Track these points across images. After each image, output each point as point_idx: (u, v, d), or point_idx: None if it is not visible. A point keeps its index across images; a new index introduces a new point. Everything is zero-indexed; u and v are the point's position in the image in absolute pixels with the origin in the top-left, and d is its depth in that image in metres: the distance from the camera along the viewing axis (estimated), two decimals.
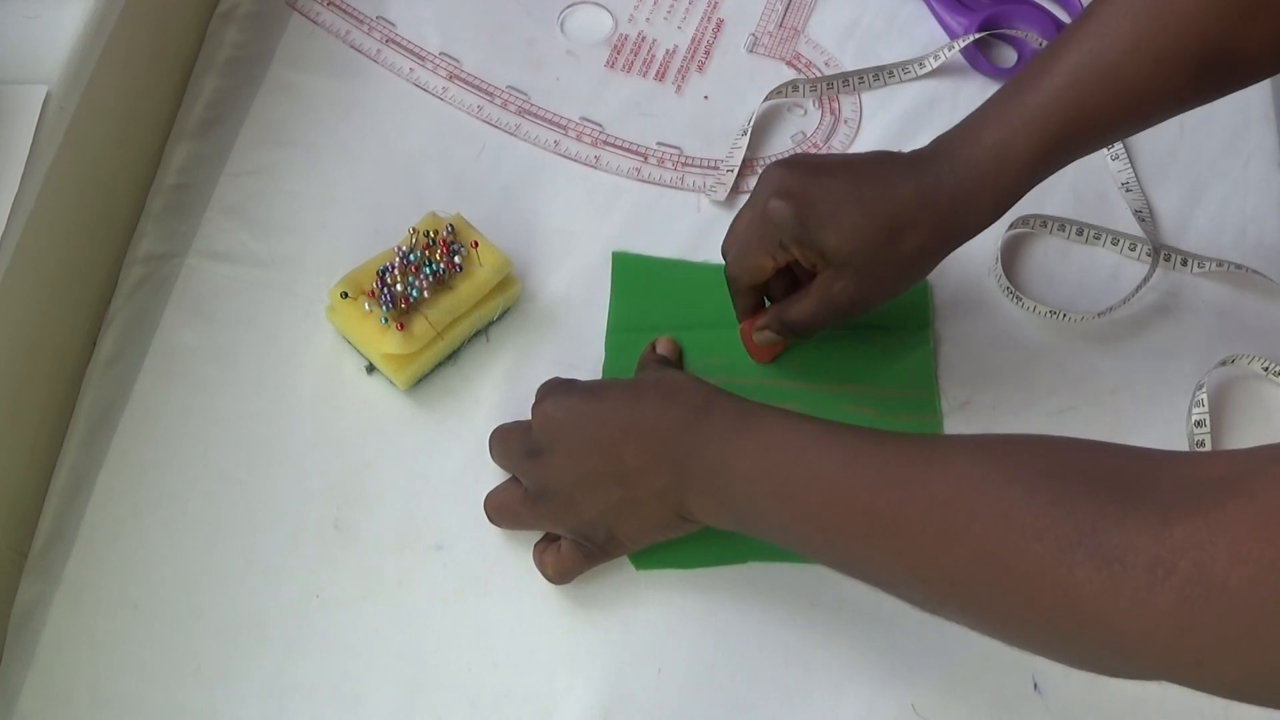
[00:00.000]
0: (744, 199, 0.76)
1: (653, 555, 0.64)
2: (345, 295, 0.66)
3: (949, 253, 0.63)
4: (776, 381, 0.69)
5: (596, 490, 0.58)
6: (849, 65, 0.82)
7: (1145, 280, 0.72)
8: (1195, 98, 0.60)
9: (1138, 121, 0.61)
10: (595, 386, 0.61)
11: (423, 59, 0.81)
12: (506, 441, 0.63)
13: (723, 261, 0.67)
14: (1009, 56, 0.83)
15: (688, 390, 0.58)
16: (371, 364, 0.68)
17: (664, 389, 0.58)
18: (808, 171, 0.62)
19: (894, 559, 0.50)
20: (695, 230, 0.75)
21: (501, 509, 0.64)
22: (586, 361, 0.70)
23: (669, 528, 0.59)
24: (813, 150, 0.78)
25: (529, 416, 0.64)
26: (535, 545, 0.63)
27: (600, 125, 0.79)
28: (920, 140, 0.63)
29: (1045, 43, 0.81)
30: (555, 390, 0.61)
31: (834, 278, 0.62)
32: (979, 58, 0.82)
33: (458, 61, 0.81)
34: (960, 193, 0.60)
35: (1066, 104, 0.58)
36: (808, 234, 0.61)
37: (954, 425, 0.68)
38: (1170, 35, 0.57)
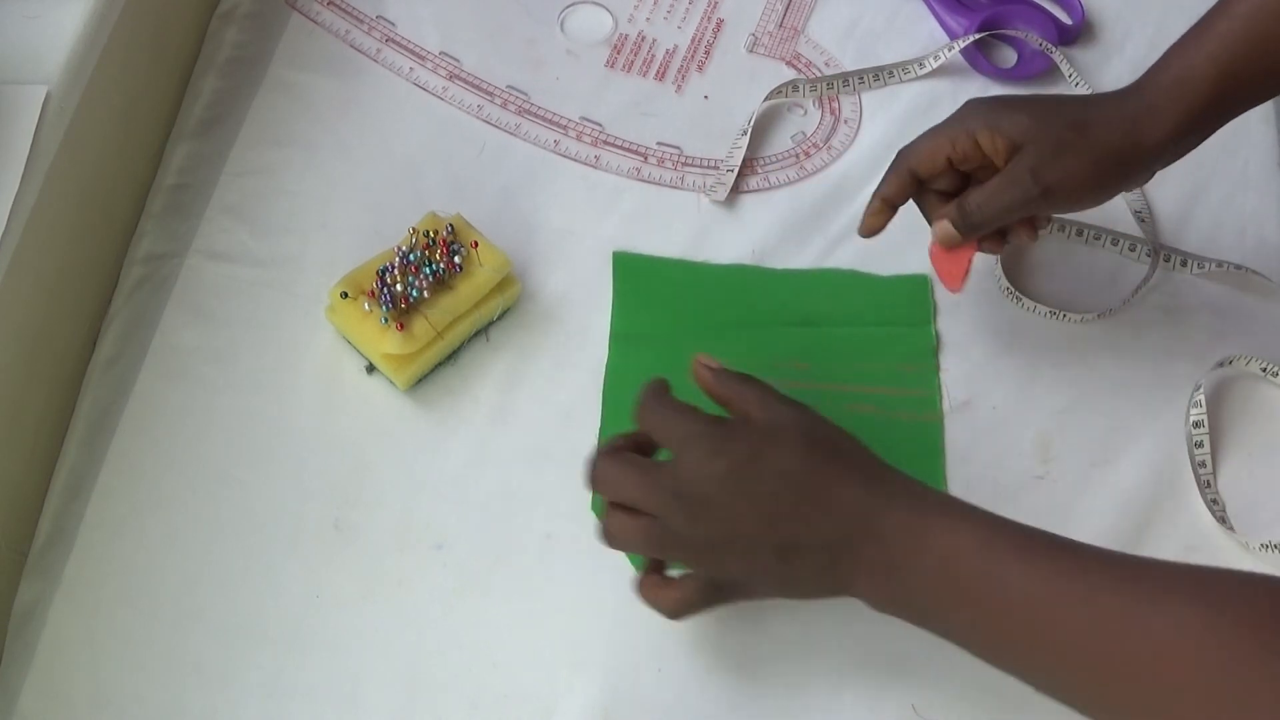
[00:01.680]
0: (744, 199, 0.76)
1: None
2: (345, 295, 0.66)
3: (1134, 174, 0.63)
4: (778, 382, 0.69)
5: (749, 556, 0.53)
6: (849, 65, 0.82)
7: (1145, 280, 0.72)
8: None
9: None
10: (753, 442, 0.54)
11: (423, 58, 0.81)
12: (646, 473, 0.55)
13: (726, 261, 0.67)
14: (1009, 57, 0.84)
15: (859, 461, 0.54)
16: (371, 364, 0.68)
17: (830, 453, 0.54)
18: (1004, 96, 0.65)
19: (1097, 695, 0.47)
20: (695, 230, 0.75)
21: (627, 540, 0.56)
22: (586, 361, 0.70)
23: (816, 596, 0.55)
24: (814, 150, 0.78)
25: (529, 417, 0.64)
26: (642, 580, 0.58)
27: (600, 125, 0.79)
28: None
29: (1045, 43, 0.81)
30: (707, 438, 0.54)
31: (1020, 159, 0.61)
32: (979, 58, 0.82)
33: (457, 61, 0.81)
34: (1146, 105, 0.61)
35: (1245, 32, 0.60)
36: (997, 118, 0.62)
37: (954, 425, 0.68)
38: None
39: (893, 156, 0.66)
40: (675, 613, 0.57)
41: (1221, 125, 0.63)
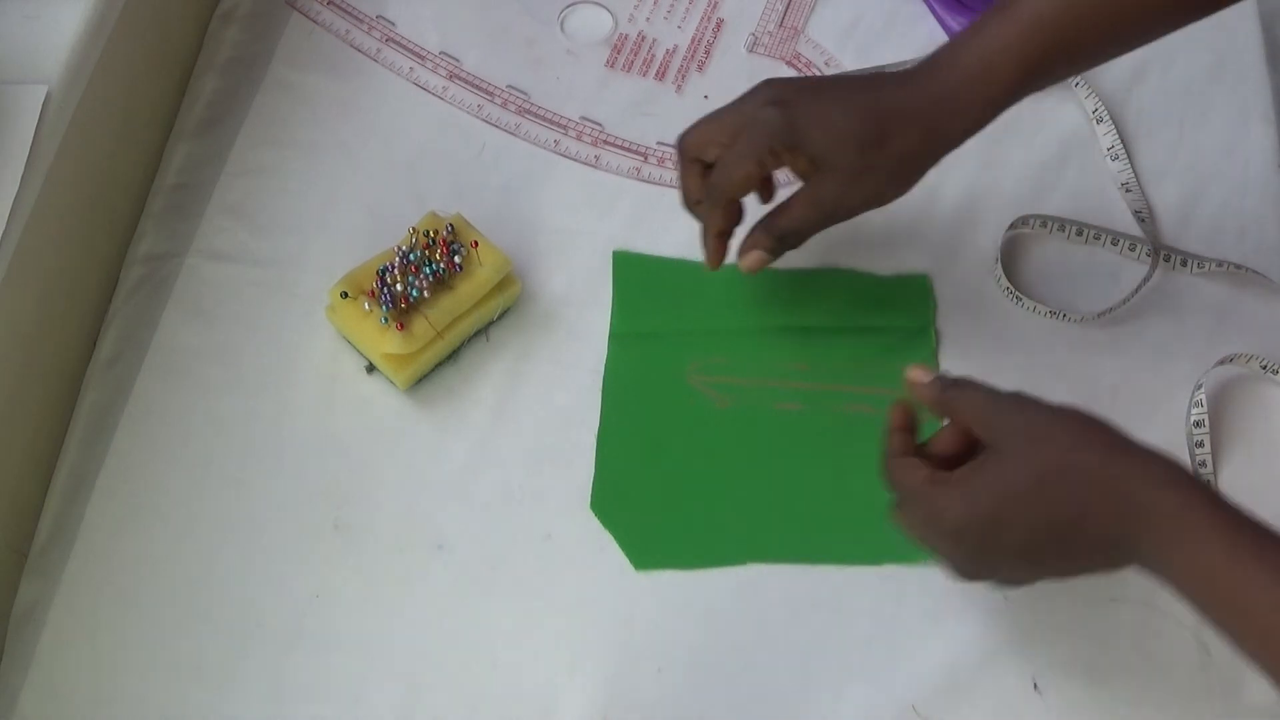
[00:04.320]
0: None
1: (653, 555, 0.64)
2: (345, 295, 0.66)
3: (935, 162, 0.63)
4: (778, 381, 0.69)
5: (1031, 565, 0.55)
6: (849, 65, 0.81)
7: (1145, 280, 0.72)
8: (1183, 16, 0.61)
9: (1125, 40, 0.61)
10: (1021, 469, 0.53)
11: (423, 58, 0.81)
12: (932, 504, 0.55)
13: (726, 261, 0.67)
14: None
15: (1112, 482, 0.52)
16: (371, 364, 0.68)
17: (1107, 443, 0.53)
18: (799, 82, 0.64)
19: None
20: (695, 230, 0.74)
21: (925, 534, 0.56)
22: (586, 361, 0.70)
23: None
24: None
25: (529, 417, 0.64)
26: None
27: (600, 125, 0.79)
28: None
29: None
30: (978, 480, 0.53)
31: (822, 180, 0.62)
32: None
33: (458, 61, 0.81)
34: (948, 98, 0.60)
35: (1056, 17, 0.58)
36: (798, 137, 0.61)
37: None
38: None
39: None
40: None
41: (1050, 84, 0.62)
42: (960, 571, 0.56)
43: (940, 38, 0.83)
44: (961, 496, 0.53)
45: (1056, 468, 0.52)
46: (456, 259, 0.67)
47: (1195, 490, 0.51)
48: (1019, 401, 0.55)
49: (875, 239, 0.74)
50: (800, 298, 0.72)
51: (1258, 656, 0.49)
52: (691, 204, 0.66)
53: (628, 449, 0.67)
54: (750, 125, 0.62)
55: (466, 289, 0.67)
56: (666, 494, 0.66)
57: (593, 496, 0.65)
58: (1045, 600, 0.63)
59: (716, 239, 0.66)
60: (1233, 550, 0.49)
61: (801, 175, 0.63)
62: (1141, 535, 0.51)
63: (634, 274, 0.73)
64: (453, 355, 0.69)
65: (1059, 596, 0.63)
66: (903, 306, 0.72)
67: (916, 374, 0.58)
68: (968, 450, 0.56)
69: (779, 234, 0.64)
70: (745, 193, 0.64)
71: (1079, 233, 0.74)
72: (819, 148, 0.61)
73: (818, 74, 0.81)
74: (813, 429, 0.68)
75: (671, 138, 0.78)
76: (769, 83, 0.64)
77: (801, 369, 0.70)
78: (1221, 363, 0.69)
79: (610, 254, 0.73)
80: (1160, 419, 0.68)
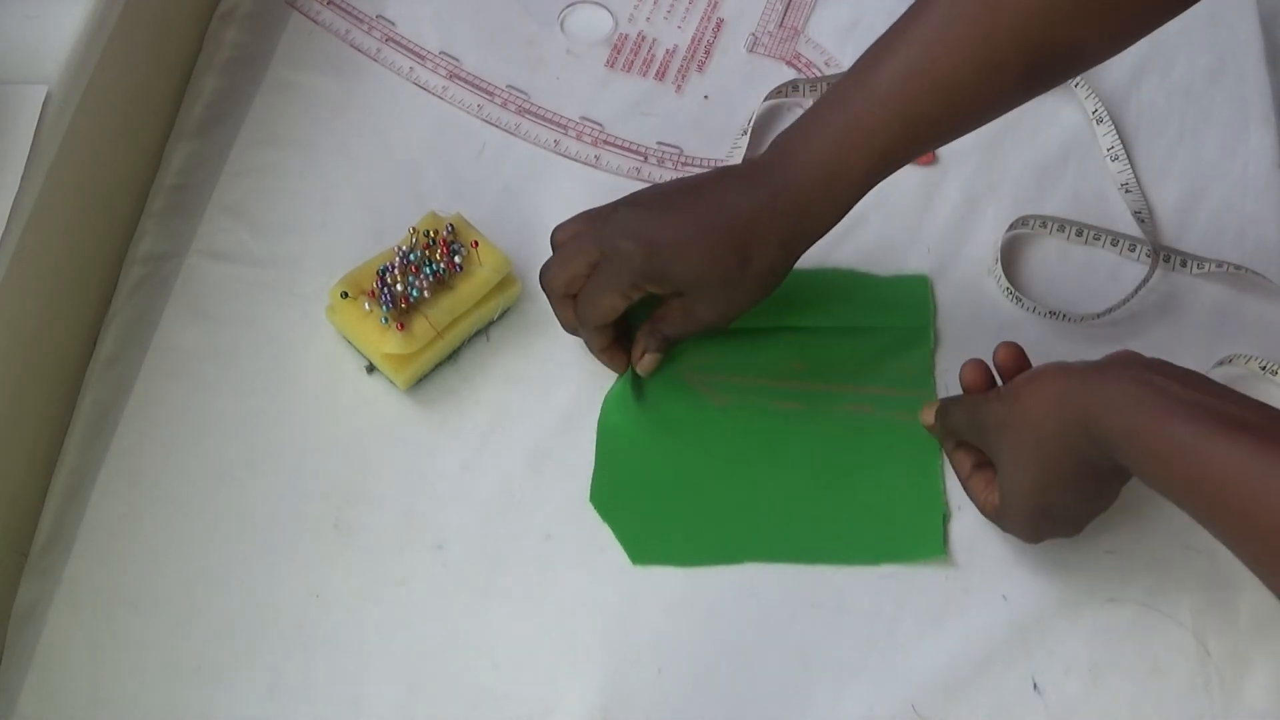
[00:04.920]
0: None
1: (651, 550, 0.64)
2: (345, 295, 0.66)
3: (798, 257, 0.64)
4: (776, 381, 0.69)
5: (1084, 508, 0.60)
6: (849, 65, 0.81)
7: (1145, 280, 0.72)
8: (1027, 95, 0.61)
9: (969, 124, 0.61)
10: (1022, 466, 0.58)
11: (422, 58, 0.81)
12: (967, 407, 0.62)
13: None
14: None
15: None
16: (371, 364, 0.68)
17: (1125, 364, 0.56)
18: (650, 209, 0.63)
19: None
20: None
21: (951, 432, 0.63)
22: (585, 361, 0.70)
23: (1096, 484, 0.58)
24: None
25: (529, 417, 0.64)
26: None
27: (600, 125, 0.79)
28: None
29: None
30: (1004, 491, 0.59)
31: (693, 302, 0.64)
32: None
33: (457, 61, 0.81)
34: (798, 206, 0.61)
35: (897, 113, 0.58)
36: (658, 270, 0.62)
37: None
38: (1002, 38, 0.57)
39: None
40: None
41: (899, 169, 0.62)
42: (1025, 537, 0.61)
43: None
44: (1001, 510, 0.60)
45: (1041, 438, 0.56)
46: (456, 259, 0.67)
47: (1151, 382, 0.53)
48: (989, 404, 0.60)
49: (875, 239, 0.74)
50: (799, 298, 0.72)
51: (1236, 537, 0.50)
52: (570, 331, 0.68)
53: (627, 445, 0.67)
54: (610, 259, 0.63)
55: (466, 289, 0.67)
56: (665, 490, 0.66)
57: (592, 490, 0.66)
58: (1045, 600, 0.63)
59: (603, 354, 0.68)
60: (1195, 430, 0.50)
61: (666, 298, 0.65)
62: (1116, 438, 0.52)
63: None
64: (453, 355, 0.69)
65: (1059, 597, 0.63)
66: (902, 307, 0.72)
67: (925, 416, 0.65)
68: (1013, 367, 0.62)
69: (661, 339, 0.66)
70: (612, 319, 0.65)
71: (1079, 233, 0.74)
72: (682, 281, 0.63)
73: (812, 76, 0.81)
74: (811, 429, 0.68)
75: (672, 138, 0.79)
76: (627, 204, 0.64)
77: (799, 368, 0.70)
78: (1221, 363, 0.69)
79: None
80: None
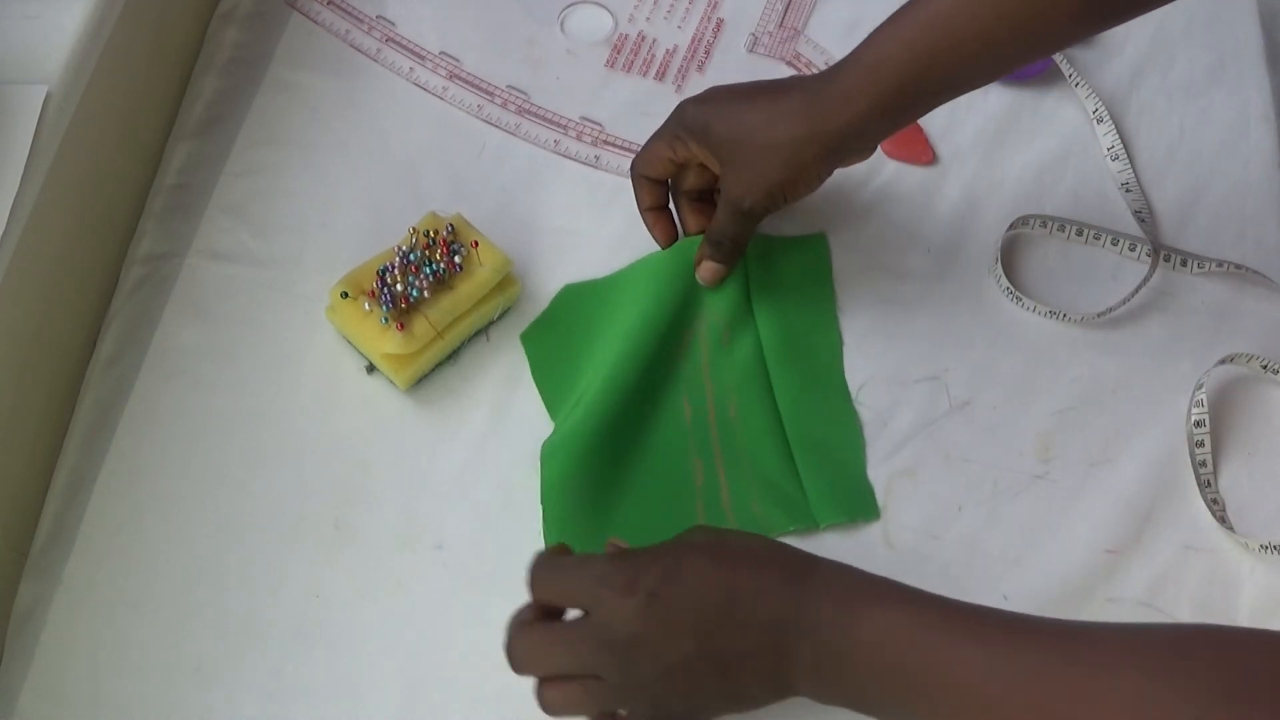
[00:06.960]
0: None
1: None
2: (345, 295, 0.66)
3: (823, 158, 0.65)
4: (684, 379, 0.69)
5: (692, 681, 0.51)
6: None
7: (1145, 280, 0.72)
8: (1082, 29, 0.62)
9: (1021, 52, 0.62)
10: (664, 565, 0.52)
11: (423, 58, 0.81)
12: (567, 636, 0.53)
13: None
14: None
15: (780, 560, 0.52)
16: (371, 364, 0.68)
17: (745, 559, 0.52)
18: (734, 87, 0.68)
19: None
20: None
21: (570, 707, 0.53)
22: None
23: (766, 703, 0.53)
24: None
25: (529, 417, 0.64)
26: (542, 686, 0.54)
27: (600, 125, 0.79)
28: None
29: None
30: (614, 576, 0.52)
31: (726, 178, 0.66)
32: None
33: (458, 61, 0.81)
34: (836, 91, 0.63)
35: (948, 26, 0.61)
36: (703, 128, 0.66)
37: (954, 425, 0.68)
38: None
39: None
40: (561, 711, 0.54)
41: (916, 116, 0.66)
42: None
43: None
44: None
45: (734, 558, 0.52)
46: (456, 259, 0.67)
47: (883, 580, 0.51)
48: (697, 528, 0.55)
49: (876, 239, 0.74)
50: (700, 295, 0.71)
51: None
52: (650, 225, 0.72)
53: (569, 490, 0.66)
54: (670, 118, 0.68)
55: (466, 289, 0.67)
56: (611, 515, 0.65)
57: (544, 530, 0.65)
58: (1045, 600, 0.63)
59: (646, 214, 0.71)
60: (915, 616, 0.49)
61: (716, 166, 0.67)
62: (814, 611, 0.50)
63: (544, 339, 0.71)
64: (453, 355, 0.69)
65: (1059, 597, 0.63)
66: (801, 267, 0.73)
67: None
68: None
69: (713, 240, 0.68)
70: (658, 173, 0.69)
71: (1079, 233, 0.74)
72: (720, 138, 0.65)
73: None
74: (705, 419, 0.68)
75: None
76: (714, 88, 0.68)
77: (705, 367, 0.70)
78: (1221, 363, 0.69)
79: (609, 253, 0.73)
80: (1160, 419, 0.69)
